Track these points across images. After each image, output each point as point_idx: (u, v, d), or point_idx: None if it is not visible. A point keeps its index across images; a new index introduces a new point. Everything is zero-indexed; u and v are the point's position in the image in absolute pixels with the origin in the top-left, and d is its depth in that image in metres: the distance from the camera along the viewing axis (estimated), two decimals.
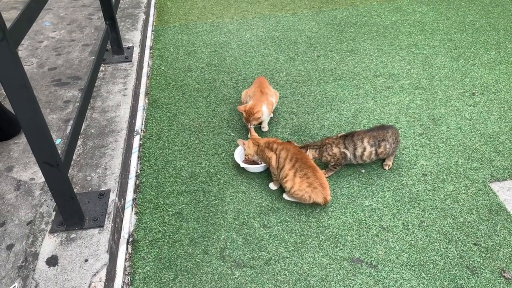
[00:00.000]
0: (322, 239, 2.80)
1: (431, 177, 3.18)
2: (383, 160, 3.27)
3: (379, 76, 4.21)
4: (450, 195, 3.05)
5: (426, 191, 3.08)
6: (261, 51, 4.67)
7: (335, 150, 3.10)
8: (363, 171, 3.27)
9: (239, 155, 3.32)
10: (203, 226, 2.90)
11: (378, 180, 3.18)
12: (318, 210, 2.98)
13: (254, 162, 3.27)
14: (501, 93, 3.93)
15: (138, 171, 3.35)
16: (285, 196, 3.07)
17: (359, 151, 3.10)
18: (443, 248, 2.72)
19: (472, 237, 2.77)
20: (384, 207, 2.98)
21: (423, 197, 3.05)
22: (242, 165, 3.21)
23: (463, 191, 3.07)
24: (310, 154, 3.12)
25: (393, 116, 3.73)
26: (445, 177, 3.18)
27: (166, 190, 3.16)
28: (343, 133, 3.21)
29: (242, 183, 3.21)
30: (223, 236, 2.83)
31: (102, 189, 2.90)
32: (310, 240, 2.79)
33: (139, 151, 3.51)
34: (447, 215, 2.92)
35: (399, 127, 3.62)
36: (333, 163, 3.15)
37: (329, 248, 2.74)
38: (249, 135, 3.38)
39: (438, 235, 2.80)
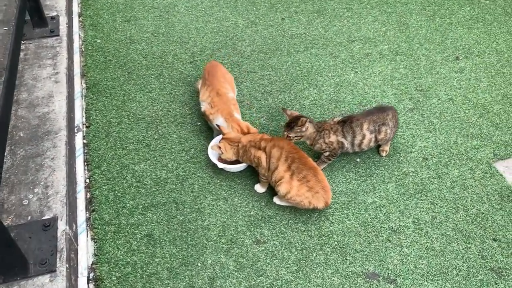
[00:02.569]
0: (328, 251, 2.36)
1: (432, 161, 2.82)
2: (379, 145, 2.85)
3: (354, 41, 3.72)
4: (457, 182, 2.71)
5: (430, 179, 2.72)
6: (215, 15, 3.97)
7: (333, 138, 2.62)
8: (358, 160, 2.83)
9: (213, 152, 2.74)
10: (182, 250, 2.34)
11: (377, 170, 2.77)
12: (317, 214, 2.52)
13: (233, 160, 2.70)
14: (485, 56, 3.61)
15: (87, 180, 2.67)
16: (276, 200, 2.57)
17: (358, 139, 2.64)
18: (462, 249, 2.39)
19: (490, 231, 2.47)
20: (390, 204, 2.59)
21: (429, 186, 2.69)
22: (220, 165, 2.64)
23: (469, 175, 2.75)
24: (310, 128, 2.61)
25: (378, 90, 3.29)
26: (447, 160, 2.83)
27: (128, 205, 2.53)
28: (339, 118, 2.72)
29: (222, 187, 2.66)
30: (209, 261, 2.30)
31: (46, 217, 2.24)
32: (314, 254, 2.34)
33: (84, 153, 2.81)
34: (459, 206, 2.59)
35: (386, 102, 3.19)
36: (327, 154, 2.67)
37: (337, 262, 2.31)
38: (215, 139, 2.75)
39: (454, 232, 2.47)
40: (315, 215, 2.52)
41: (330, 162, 2.73)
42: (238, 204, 2.57)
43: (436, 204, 2.60)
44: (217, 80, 2.89)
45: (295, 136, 2.56)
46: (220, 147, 2.56)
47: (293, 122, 2.54)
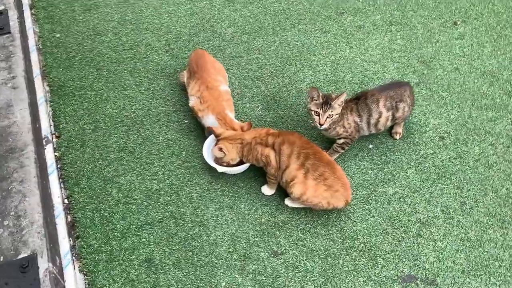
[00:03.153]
0: (355, 256, 2.08)
1: (450, 140, 2.57)
2: (390, 127, 2.56)
3: (343, 13, 3.39)
4: (480, 160, 2.47)
5: (451, 160, 2.47)
6: None
7: (350, 119, 2.31)
8: (370, 146, 2.55)
9: (209, 152, 2.39)
10: (190, 273, 2.01)
11: (393, 155, 2.49)
12: (335, 213, 2.24)
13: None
14: (483, 19, 3.36)
15: (66, 201, 2.28)
16: (288, 202, 2.26)
17: (374, 118, 2.34)
18: (500, 235, 2.17)
19: None
20: (413, 193, 2.32)
21: (451, 168, 2.43)
22: (220, 169, 2.30)
23: (491, 151, 2.51)
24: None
25: (378, 65, 3.00)
26: (465, 136, 2.58)
27: (118, 226, 2.17)
28: (349, 98, 2.41)
29: (224, 193, 2.33)
30: (223, 283, 1.98)
31: (22, 255, 1.88)
32: (340, 261, 2.06)
33: (58, 169, 2.41)
34: (486, 188, 2.35)
35: (390, 78, 2.90)
36: (341, 141, 2.36)
37: (368, 267, 2.04)
38: (209, 139, 2.41)
39: (487, 218, 2.23)
40: (334, 215, 2.23)
41: (343, 151, 2.43)
42: (246, 212, 2.24)
43: (463, 188, 2.35)
44: (206, 72, 2.52)
45: (336, 114, 2.21)
46: (221, 149, 2.21)
47: (328, 98, 2.19)
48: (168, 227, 2.17)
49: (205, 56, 2.61)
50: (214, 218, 2.22)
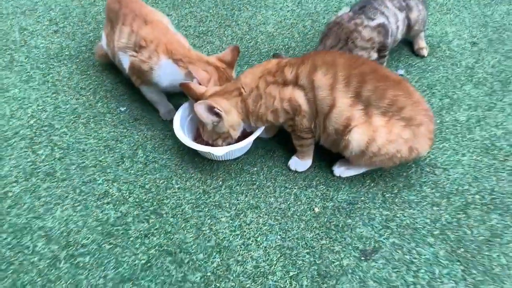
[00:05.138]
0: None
1: (484, 43, 1.95)
2: (410, 44, 1.86)
3: None
4: None
5: (501, 63, 1.82)
6: None
7: (368, 33, 1.56)
8: (402, 72, 1.79)
9: (189, 129, 1.45)
10: None
11: (433, 75, 1.78)
12: (413, 165, 1.42)
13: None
14: None
15: None
16: (340, 170, 1.41)
17: (392, 22, 1.62)
18: None
19: None
20: (489, 111, 1.61)
21: (508, 71, 1.78)
22: (217, 152, 1.35)
23: None
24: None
25: None
26: (496, 35, 1.97)
27: None
28: (345, 10, 1.69)
29: (233, 189, 1.40)
30: None
31: None
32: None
33: None
34: None
35: None
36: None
37: None
38: (178, 115, 1.51)
39: None
40: (413, 167, 1.41)
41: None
42: (282, 207, 1.33)
43: None
44: (137, 3, 1.58)
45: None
46: (213, 108, 1.28)
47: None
48: (166, 272, 1.17)
49: None
50: (238, 232, 1.26)
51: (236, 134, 1.39)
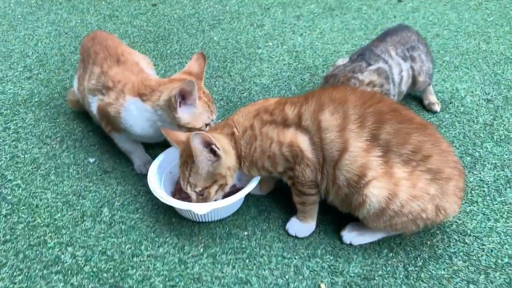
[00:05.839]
0: None
1: (499, 100, 1.78)
2: (419, 100, 1.70)
3: (269, 8, 2.57)
4: None
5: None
6: (43, 19, 2.39)
7: (367, 76, 1.39)
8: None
9: (165, 182, 1.21)
10: None
11: (449, 131, 1.57)
12: (440, 230, 1.17)
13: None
14: None
15: None
16: (351, 236, 1.15)
17: (395, 72, 1.43)
18: None
19: None
20: None
21: None
22: (199, 210, 1.09)
23: None
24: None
25: (347, 45, 2.20)
26: (510, 93, 1.80)
27: None
28: (343, 60, 1.52)
29: (220, 259, 1.12)
30: None
31: None
32: None
33: None
34: None
35: None
36: None
37: None
38: (155, 163, 1.33)
39: None
40: (438, 241, 1.15)
41: None
42: (280, 283, 1.04)
43: None
44: (111, 41, 1.41)
45: None
46: (209, 145, 1.06)
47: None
48: None
49: (104, 35, 1.48)
50: None
51: (232, 181, 1.14)
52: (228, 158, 1.10)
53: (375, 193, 1.02)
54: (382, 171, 1.02)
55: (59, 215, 1.22)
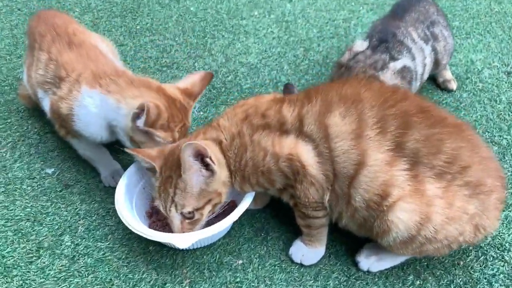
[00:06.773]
0: None
1: None
2: (433, 79, 1.46)
3: None
4: None
5: None
6: None
7: (389, 79, 1.15)
8: None
9: (138, 203, 0.98)
10: None
11: (469, 114, 1.36)
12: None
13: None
14: None
15: None
16: (367, 264, 0.95)
17: (419, 62, 1.24)
18: None
19: None
20: None
21: None
22: (182, 242, 0.86)
23: None
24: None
25: (343, 11, 1.92)
26: None
27: None
28: (359, 43, 1.26)
29: None
30: None
31: None
32: None
33: None
34: None
35: (368, 22, 1.82)
36: None
37: None
38: (123, 181, 1.11)
39: None
40: (471, 261, 0.96)
41: None
42: None
43: None
44: (61, 20, 1.14)
45: None
46: (202, 157, 0.85)
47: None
48: None
49: (51, 12, 1.22)
50: None
51: (225, 198, 0.92)
52: (223, 172, 0.88)
53: (403, 218, 0.80)
54: (410, 188, 0.81)
55: (8, 249, 0.99)
